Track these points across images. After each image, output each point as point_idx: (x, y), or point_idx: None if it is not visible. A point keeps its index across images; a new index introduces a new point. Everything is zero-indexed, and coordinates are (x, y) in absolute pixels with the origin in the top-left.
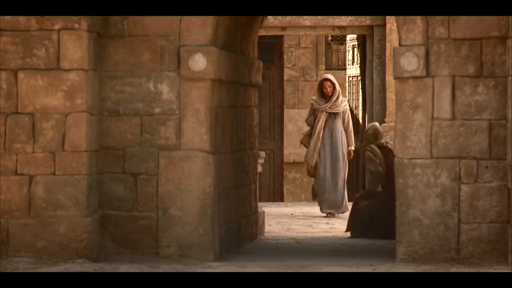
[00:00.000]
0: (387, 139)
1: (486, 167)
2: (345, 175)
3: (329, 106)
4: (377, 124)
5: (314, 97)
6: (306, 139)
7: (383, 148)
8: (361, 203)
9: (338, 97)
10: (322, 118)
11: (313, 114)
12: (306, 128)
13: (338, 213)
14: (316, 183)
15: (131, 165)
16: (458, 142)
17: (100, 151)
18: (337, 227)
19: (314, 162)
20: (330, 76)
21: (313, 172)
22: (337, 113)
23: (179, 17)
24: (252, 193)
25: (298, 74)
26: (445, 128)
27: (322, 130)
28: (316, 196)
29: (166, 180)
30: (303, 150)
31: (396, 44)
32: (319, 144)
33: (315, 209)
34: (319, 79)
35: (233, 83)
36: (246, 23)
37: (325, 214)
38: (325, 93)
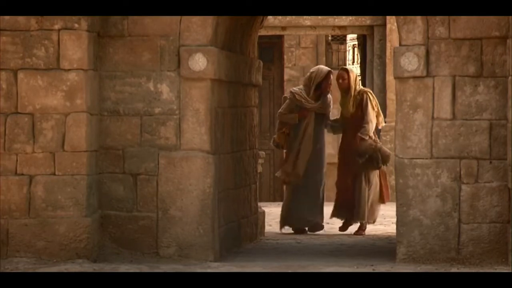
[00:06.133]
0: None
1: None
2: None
3: (319, 105)
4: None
5: (296, 89)
6: (283, 139)
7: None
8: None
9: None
10: (312, 121)
11: (299, 113)
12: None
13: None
14: (291, 196)
15: (131, 165)
16: (459, 142)
17: (100, 151)
18: (337, 227)
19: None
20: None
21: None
22: (324, 115)
23: (179, 17)
24: (252, 193)
25: (298, 74)
26: (446, 128)
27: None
28: (284, 220)
29: (166, 180)
30: None
31: (396, 44)
32: (310, 150)
33: None
34: (320, 71)
35: (233, 83)
36: (246, 23)
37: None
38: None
